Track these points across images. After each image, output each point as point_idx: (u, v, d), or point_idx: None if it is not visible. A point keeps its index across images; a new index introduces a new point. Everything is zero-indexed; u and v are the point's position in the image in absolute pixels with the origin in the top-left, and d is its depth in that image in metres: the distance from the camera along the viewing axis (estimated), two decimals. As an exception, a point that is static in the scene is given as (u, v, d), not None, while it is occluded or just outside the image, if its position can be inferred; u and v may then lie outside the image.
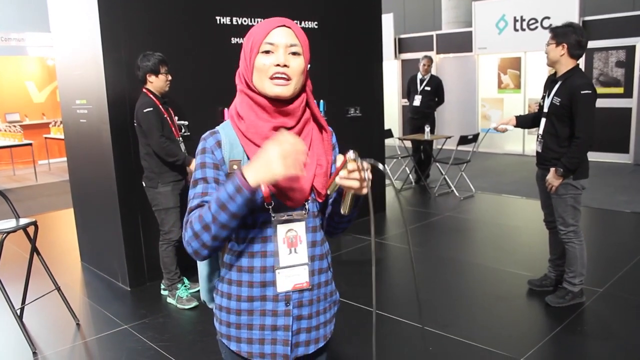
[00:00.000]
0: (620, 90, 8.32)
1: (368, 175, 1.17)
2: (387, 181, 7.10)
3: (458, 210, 5.92)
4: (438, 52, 10.70)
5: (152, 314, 3.53)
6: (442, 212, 5.92)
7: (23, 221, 3.25)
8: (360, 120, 5.52)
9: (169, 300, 3.70)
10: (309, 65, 1.32)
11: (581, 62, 7.41)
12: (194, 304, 3.60)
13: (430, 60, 7.18)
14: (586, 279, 3.39)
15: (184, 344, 3.13)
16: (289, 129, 1.30)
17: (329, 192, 1.26)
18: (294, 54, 1.27)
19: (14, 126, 9.53)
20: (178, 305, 3.62)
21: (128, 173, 3.82)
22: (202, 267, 1.48)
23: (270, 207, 1.29)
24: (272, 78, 1.25)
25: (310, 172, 1.32)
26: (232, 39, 4.34)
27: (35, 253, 3.34)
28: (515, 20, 9.36)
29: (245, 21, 4.40)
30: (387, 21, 10.34)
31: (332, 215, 1.40)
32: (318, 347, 1.43)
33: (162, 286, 3.84)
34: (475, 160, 7.81)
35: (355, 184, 1.19)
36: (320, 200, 1.36)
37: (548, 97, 3.28)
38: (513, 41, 9.42)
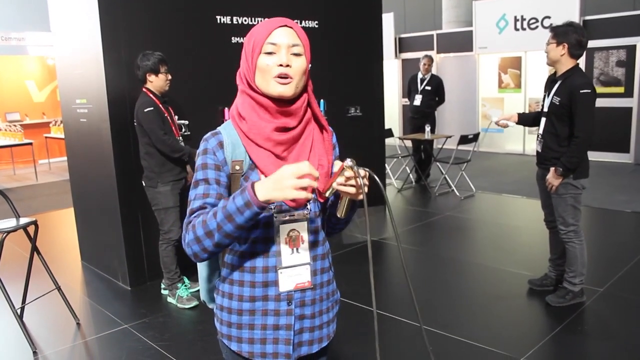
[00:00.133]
0: (620, 89, 8.32)
1: (364, 182, 1.20)
2: (388, 180, 7.11)
3: (458, 210, 5.92)
4: (438, 52, 10.69)
5: (152, 314, 3.53)
6: (443, 211, 5.91)
7: (23, 220, 3.25)
8: (361, 119, 5.52)
9: (169, 299, 3.70)
10: (309, 65, 1.32)
11: (582, 61, 7.43)
12: (194, 303, 3.60)
13: (430, 59, 7.18)
14: (586, 278, 3.39)
15: (184, 344, 3.13)
16: (290, 129, 1.30)
17: (326, 194, 1.28)
18: (296, 54, 1.27)
19: (15, 125, 9.54)
20: (178, 305, 3.62)
21: (128, 172, 3.82)
22: (202, 267, 1.48)
23: (272, 207, 1.30)
24: (274, 77, 1.25)
25: (312, 173, 1.32)
26: (233, 38, 4.34)
27: (35, 252, 3.34)
28: (516, 20, 9.35)
29: (245, 20, 4.40)
30: (388, 20, 10.33)
31: (329, 217, 1.43)
32: (322, 346, 1.43)
33: (163, 285, 3.84)
34: (476, 160, 7.81)
35: (352, 190, 1.22)
36: (321, 201, 1.37)
37: (548, 96, 3.28)
38: (513, 41, 9.42)
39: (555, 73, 3.30)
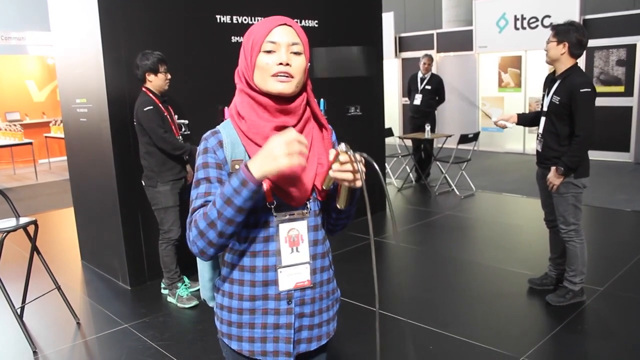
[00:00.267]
0: (620, 89, 8.31)
1: (361, 166, 1.17)
2: (388, 180, 7.10)
3: (458, 209, 5.92)
4: (438, 51, 10.69)
5: (152, 313, 3.53)
6: (443, 211, 5.91)
7: (23, 220, 3.24)
8: (361, 119, 5.52)
9: (169, 299, 3.70)
10: (309, 64, 1.32)
11: (582, 60, 7.43)
12: (195, 302, 3.60)
13: (430, 59, 7.18)
14: (587, 277, 3.39)
15: (184, 343, 3.13)
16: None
17: (324, 187, 1.27)
18: (295, 53, 1.26)
19: (14, 125, 9.54)
20: (178, 304, 3.62)
21: (128, 172, 3.82)
22: (202, 266, 1.48)
23: (272, 206, 1.29)
24: (274, 76, 1.24)
25: (311, 171, 1.32)
26: (232, 37, 4.34)
27: (35, 252, 3.34)
28: (516, 19, 9.34)
29: (245, 20, 4.40)
30: (388, 20, 10.32)
31: (329, 212, 1.41)
32: (320, 344, 1.43)
33: (163, 285, 3.84)
34: (476, 159, 7.80)
35: (349, 176, 1.20)
36: (321, 199, 1.37)
37: (547, 95, 3.28)
38: (513, 40, 9.41)
39: (554, 72, 3.30)
